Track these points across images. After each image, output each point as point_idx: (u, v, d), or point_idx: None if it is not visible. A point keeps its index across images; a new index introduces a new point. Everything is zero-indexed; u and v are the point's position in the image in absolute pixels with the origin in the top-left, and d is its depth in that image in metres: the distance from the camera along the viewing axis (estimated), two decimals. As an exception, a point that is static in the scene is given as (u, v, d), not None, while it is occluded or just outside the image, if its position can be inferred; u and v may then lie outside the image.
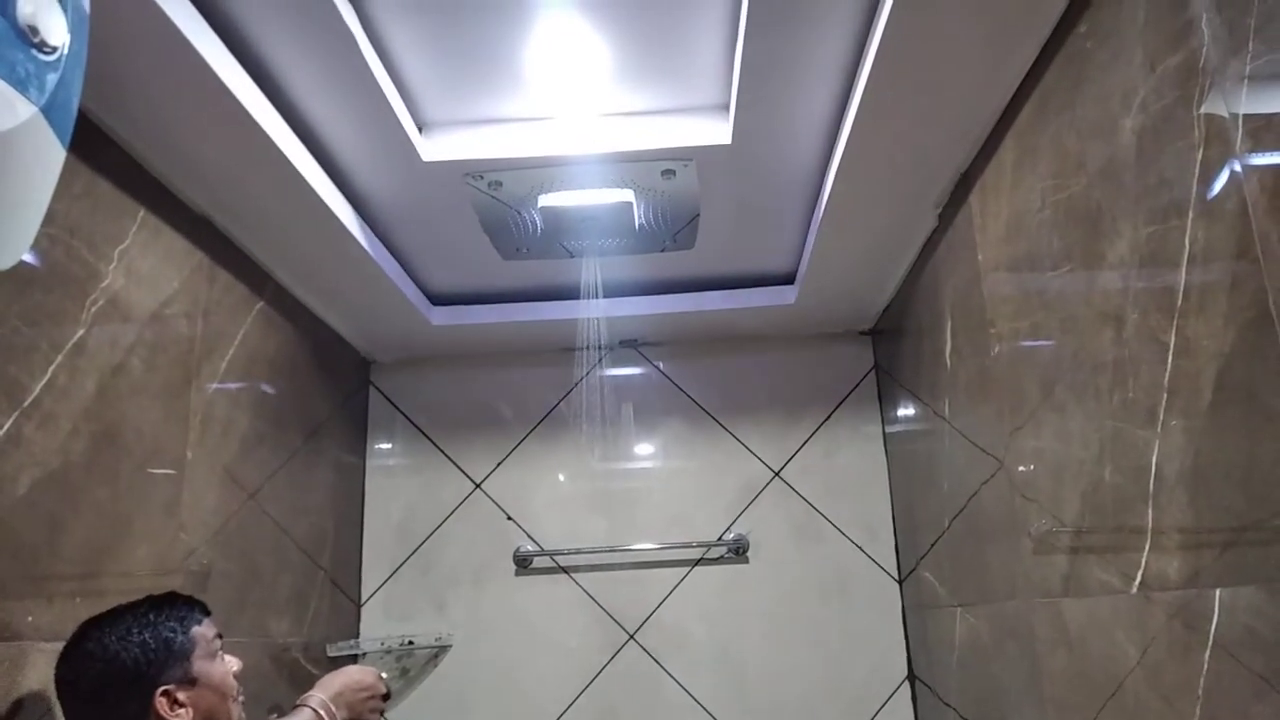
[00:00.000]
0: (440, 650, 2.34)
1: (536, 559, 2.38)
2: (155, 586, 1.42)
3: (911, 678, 2.23)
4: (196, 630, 1.13)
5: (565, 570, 2.38)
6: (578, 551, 2.37)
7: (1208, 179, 0.93)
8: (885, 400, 2.40)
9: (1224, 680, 0.93)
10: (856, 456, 2.40)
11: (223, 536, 1.68)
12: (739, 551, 2.35)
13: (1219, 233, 0.91)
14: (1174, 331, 1.00)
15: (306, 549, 2.07)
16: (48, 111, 0.77)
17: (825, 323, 2.43)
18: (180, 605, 1.15)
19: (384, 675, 1.29)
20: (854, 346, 2.48)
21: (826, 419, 2.43)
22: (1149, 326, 1.05)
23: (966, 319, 1.69)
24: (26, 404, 1.17)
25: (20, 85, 0.74)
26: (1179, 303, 0.98)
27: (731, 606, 2.33)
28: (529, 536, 2.41)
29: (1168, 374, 1.01)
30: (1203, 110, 0.93)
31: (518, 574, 2.39)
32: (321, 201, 1.65)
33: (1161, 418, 1.02)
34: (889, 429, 2.38)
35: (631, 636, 2.33)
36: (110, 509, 1.34)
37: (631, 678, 2.30)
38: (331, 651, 2.16)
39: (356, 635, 2.34)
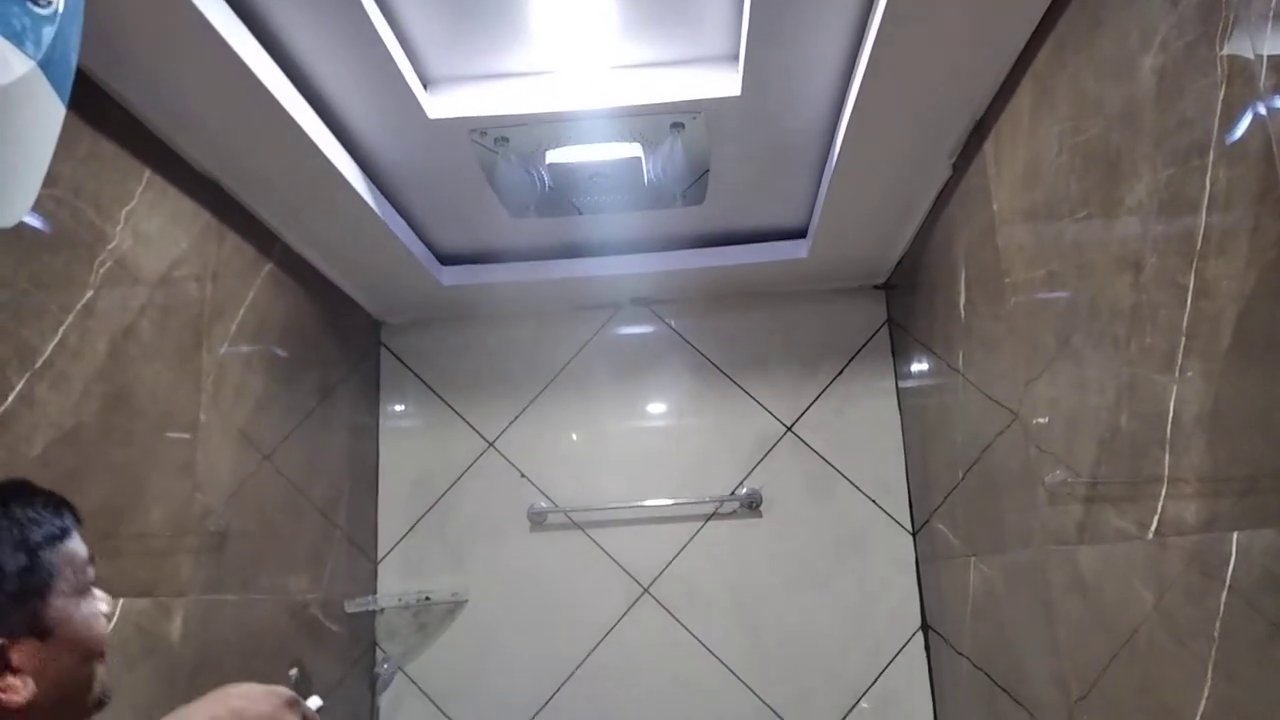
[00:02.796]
0: (457, 605, 2.37)
1: (551, 515, 2.40)
2: (173, 548, 1.44)
3: (925, 628, 2.25)
4: (64, 549, 0.74)
5: (579, 526, 2.39)
6: (592, 508, 2.38)
7: (1230, 119, 0.90)
8: (899, 354, 2.39)
9: (1240, 623, 0.92)
10: (869, 411, 2.39)
11: (239, 497, 1.69)
12: (752, 506, 2.36)
13: (1241, 174, 0.89)
14: (1193, 275, 0.98)
15: (323, 508, 2.09)
16: (45, 66, 0.76)
17: (838, 277, 2.41)
18: (38, 504, 0.74)
19: (315, 703, 0.78)
20: (867, 301, 2.46)
21: (839, 374, 2.42)
22: (1168, 270, 1.03)
23: (981, 270, 1.67)
24: (38, 365, 1.18)
25: (16, 39, 0.72)
26: (1199, 246, 0.96)
27: (745, 560, 2.34)
28: (543, 494, 2.42)
29: (1186, 318, 0.99)
30: (1226, 49, 0.90)
31: (532, 530, 2.40)
32: (328, 161, 1.64)
33: (1180, 362, 1.01)
34: (902, 383, 2.37)
35: (646, 590, 2.35)
36: (125, 470, 1.35)
37: (647, 631, 2.32)
38: (350, 608, 2.19)
39: (374, 592, 2.37)
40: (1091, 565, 1.26)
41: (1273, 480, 0.87)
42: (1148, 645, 1.11)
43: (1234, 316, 0.91)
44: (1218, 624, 0.96)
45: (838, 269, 2.36)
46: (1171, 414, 1.03)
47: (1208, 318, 0.96)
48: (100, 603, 0.78)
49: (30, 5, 0.74)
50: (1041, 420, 1.42)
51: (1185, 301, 0.99)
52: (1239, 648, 0.93)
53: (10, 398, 1.12)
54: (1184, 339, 1.00)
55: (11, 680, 0.67)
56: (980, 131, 1.62)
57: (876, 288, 2.46)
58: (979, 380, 1.73)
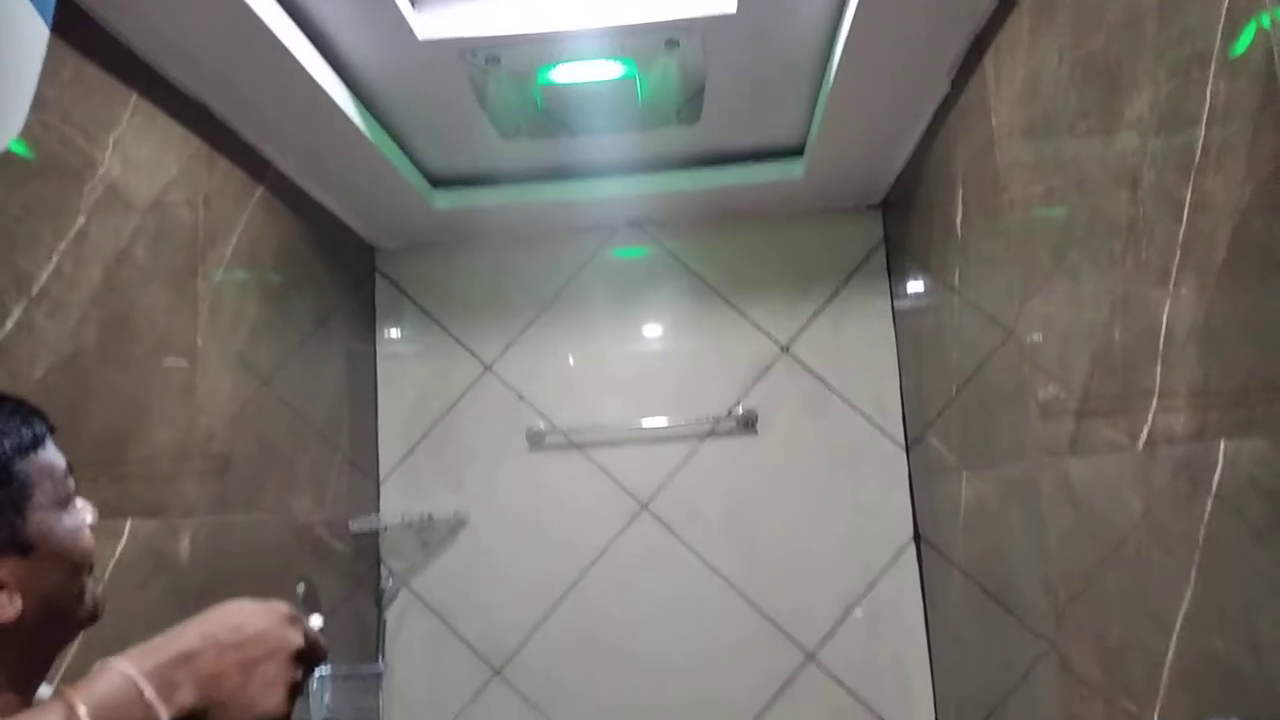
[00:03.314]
0: (458, 524, 2.42)
1: (549, 436, 2.43)
2: (178, 471, 1.46)
3: (917, 539, 2.31)
4: (38, 460, 0.71)
5: (578, 446, 2.43)
6: (589, 429, 2.41)
7: (1233, 30, 0.89)
8: (895, 274, 2.39)
9: (1224, 529, 0.95)
10: (865, 330, 2.41)
11: (240, 421, 1.71)
12: (748, 425, 2.39)
13: (1242, 87, 0.88)
14: (1190, 189, 0.98)
15: (323, 431, 2.12)
16: (27, -16, 0.75)
17: (834, 196, 2.39)
18: (7, 412, 0.70)
19: (316, 621, 0.70)
20: (863, 220, 2.45)
21: (835, 294, 2.43)
22: (1165, 185, 1.03)
23: (979, 187, 1.66)
24: (35, 292, 1.18)
25: (-3, -45, 0.71)
26: (1197, 159, 0.96)
27: (741, 477, 2.39)
28: (541, 415, 2.45)
29: (1182, 232, 1.00)
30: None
31: (531, 451, 2.44)
32: (316, 84, 1.61)
33: (1174, 276, 1.02)
34: (898, 302, 2.38)
35: (644, 507, 2.39)
36: (127, 394, 1.36)
37: (645, 547, 2.38)
38: (354, 527, 2.23)
39: (377, 511, 2.42)
40: (1082, 476, 1.29)
41: (1262, 390, 0.89)
42: (1134, 552, 1.15)
43: (1229, 230, 0.92)
44: (1202, 529, 0.99)
45: (834, 188, 2.34)
46: (1164, 327, 1.05)
47: (1203, 232, 0.96)
48: (84, 513, 0.75)
49: (8, -81, 0.72)
50: (1036, 336, 1.43)
51: (1181, 216, 0.99)
52: (1222, 552, 0.96)
53: (9, 324, 1.13)
54: (1179, 253, 1.01)
55: None
56: (980, 46, 1.59)
57: (873, 207, 2.45)
58: (975, 298, 1.74)
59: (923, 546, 2.28)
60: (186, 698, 0.56)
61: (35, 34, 0.78)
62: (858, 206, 2.45)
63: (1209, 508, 0.98)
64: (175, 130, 1.54)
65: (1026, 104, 1.41)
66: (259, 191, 1.84)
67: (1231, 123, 0.90)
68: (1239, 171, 0.90)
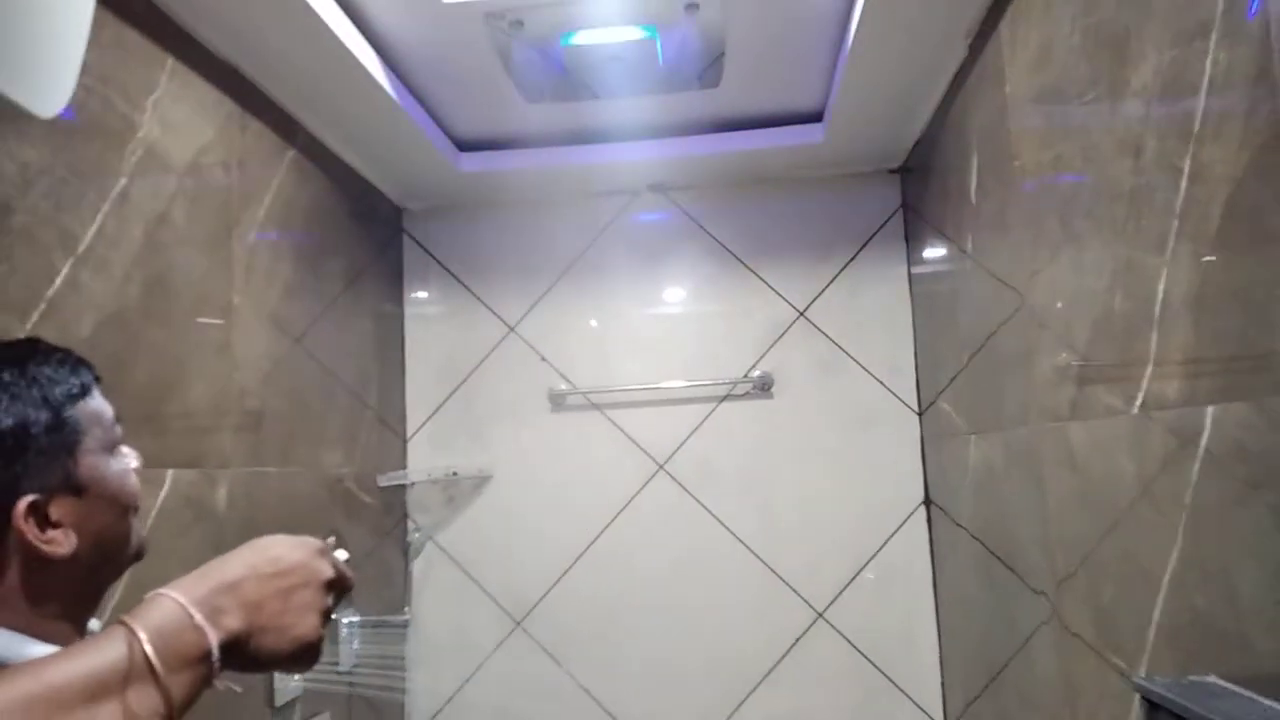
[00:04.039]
0: (483, 480, 2.49)
1: (570, 397, 2.49)
2: (215, 424, 1.53)
3: (928, 502, 2.35)
4: (87, 407, 0.76)
5: (598, 407, 2.49)
6: (610, 390, 2.47)
7: (1233, 1, 0.91)
8: (912, 239, 2.41)
9: (1209, 491, 0.99)
10: (881, 295, 2.43)
11: (273, 378, 1.78)
12: (764, 388, 2.44)
13: (1240, 56, 0.90)
14: (1189, 158, 1.00)
15: (353, 389, 2.19)
16: (75, -41, 0.79)
17: (853, 161, 2.41)
18: (54, 362, 0.75)
19: (342, 555, 0.72)
20: (882, 185, 2.46)
21: (852, 259, 2.45)
22: (1166, 153, 1.05)
23: (993, 153, 1.68)
24: (81, 251, 1.24)
25: (47, -67, 0.76)
26: (1196, 128, 0.98)
27: (757, 439, 2.44)
28: (563, 376, 2.50)
29: (1180, 200, 1.02)
30: (1235, -75, 0.90)
31: (553, 411, 2.50)
32: (344, 47, 1.65)
33: (1171, 245, 1.05)
34: (914, 268, 2.40)
35: (661, 467, 2.45)
36: (167, 351, 1.43)
37: (662, 505, 2.44)
38: (382, 481, 2.31)
39: (404, 467, 2.49)
40: (1081, 440, 1.33)
41: (1248, 357, 0.92)
42: (1127, 513, 1.19)
43: (1224, 199, 0.94)
44: (1190, 492, 1.03)
45: (854, 153, 2.35)
46: (1161, 295, 1.07)
47: (1199, 201, 0.99)
48: (130, 459, 0.80)
49: (57, -101, 0.77)
50: (1043, 303, 1.46)
51: (1180, 185, 1.02)
52: (1207, 514, 1.00)
53: (57, 282, 1.19)
54: (1177, 221, 1.03)
55: (54, 533, 0.70)
56: (997, 10, 1.60)
57: (892, 171, 2.46)
58: (987, 265, 1.76)
59: (932, 509, 2.33)
60: (232, 622, 0.60)
61: (82, 5, 0.83)
62: (877, 171, 2.46)
63: (1196, 471, 1.01)
64: (210, 93, 1.59)
65: (1040, 70, 1.42)
66: (290, 154, 1.89)
67: (1230, 91, 0.92)
68: (1235, 141, 0.92)
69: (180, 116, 1.49)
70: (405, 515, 2.51)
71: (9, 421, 0.69)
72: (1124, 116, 1.15)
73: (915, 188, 2.35)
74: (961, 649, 2.16)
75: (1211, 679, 1.00)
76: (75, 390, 0.75)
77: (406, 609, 2.44)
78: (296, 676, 1.78)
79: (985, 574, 1.88)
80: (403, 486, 2.47)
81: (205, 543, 1.50)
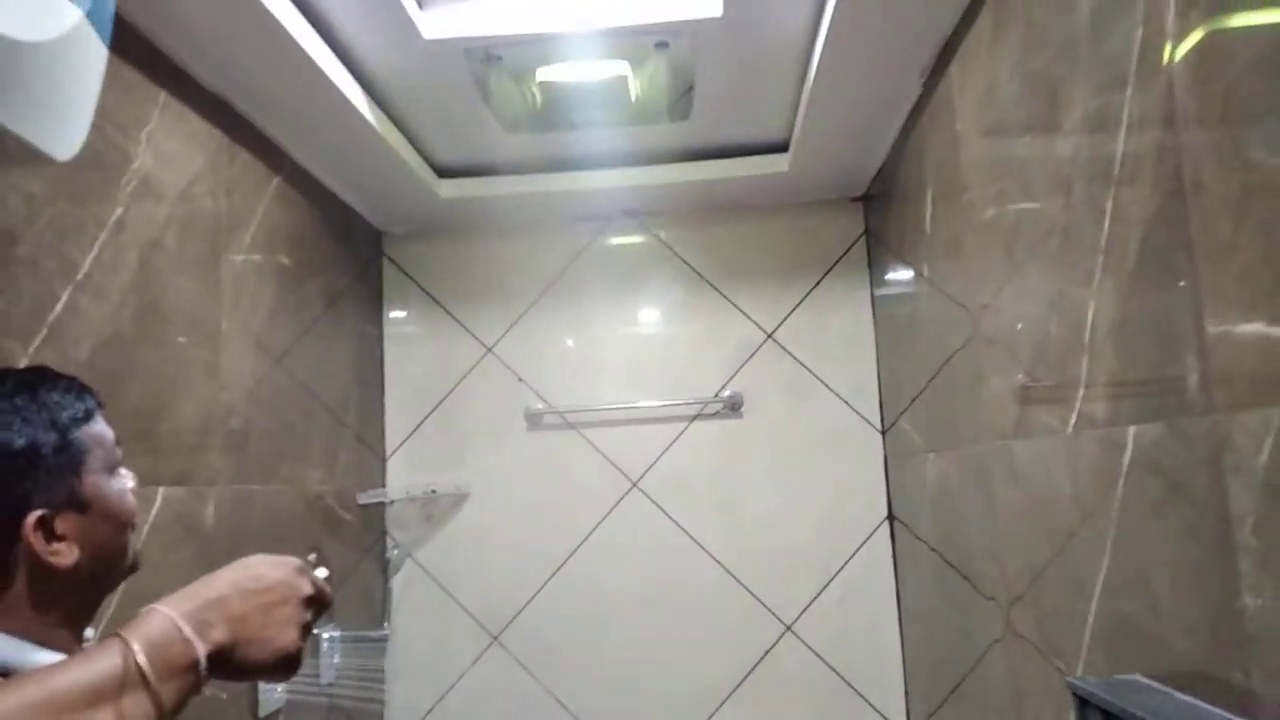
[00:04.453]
0: (460, 498, 2.56)
1: (546, 416, 2.56)
2: (203, 443, 1.59)
3: (891, 518, 2.44)
4: (90, 430, 0.82)
5: (573, 426, 2.56)
6: (584, 409, 2.54)
7: (1145, 54, 1.01)
8: (874, 264, 2.51)
9: (1132, 504, 1.08)
10: (846, 318, 2.53)
11: (257, 397, 1.84)
12: (734, 408, 2.52)
13: (1150, 106, 1.00)
14: (1111, 199, 1.10)
15: (333, 408, 2.25)
16: (91, 15, 0.87)
17: (818, 189, 2.51)
18: (61, 388, 0.82)
19: (322, 573, 0.77)
20: (846, 213, 2.57)
21: (818, 283, 2.55)
22: (1092, 194, 1.15)
23: (945, 185, 1.78)
24: (79, 278, 1.30)
25: (68, -6, 0.83)
26: (1115, 172, 1.08)
27: (727, 457, 2.52)
28: (539, 396, 2.58)
29: (1104, 238, 1.12)
30: (1146, -9, 1.00)
31: (529, 430, 2.57)
32: (329, 80, 1.73)
33: (1098, 278, 1.14)
34: (877, 292, 2.50)
35: (635, 484, 2.53)
36: (159, 372, 1.49)
37: (635, 522, 2.52)
38: (362, 499, 2.37)
39: (384, 485, 2.55)
40: (1024, 457, 1.42)
41: (1161, 381, 1.01)
42: (1064, 524, 1.28)
43: (1139, 239, 1.04)
44: (1116, 505, 1.12)
45: (818, 181, 2.45)
46: (1090, 324, 1.17)
47: (1120, 239, 1.08)
48: (127, 479, 0.87)
49: (77, -37, 0.84)
50: (992, 327, 1.55)
51: (1103, 224, 1.12)
52: (1131, 525, 1.09)
53: (58, 308, 1.25)
54: (1102, 257, 1.13)
55: (59, 546, 0.77)
56: (948, 52, 1.71)
57: (855, 200, 2.56)
58: (941, 291, 1.86)
59: (895, 525, 2.42)
60: (219, 635, 0.65)
61: (98, 54, 0.90)
62: (840, 199, 2.56)
63: (1121, 486, 1.10)
64: (200, 125, 1.66)
65: (985, 110, 1.53)
66: (275, 181, 1.96)
67: (1143, 139, 1.02)
68: (1147, 184, 1.02)
69: (172, 148, 1.56)
70: (384, 532, 2.56)
71: (21, 442, 0.76)
72: (1056, 157, 1.25)
73: (877, 215, 2.46)
74: (924, 658, 2.24)
75: (1136, 677, 1.09)
76: (80, 415, 0.82)
77: (386, 624, 2.49)
78: (279, 688, 1.83)
79: (944, 585, 1.97)
80: (382, 504, 2.53)
81: (194, 558, 1.56)
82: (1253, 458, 0.84)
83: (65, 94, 0.87)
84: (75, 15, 0.84)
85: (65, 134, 0.88)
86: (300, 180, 2.09)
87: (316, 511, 2.12)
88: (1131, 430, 1.07)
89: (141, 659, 0.59)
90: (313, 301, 2.16)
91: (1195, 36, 0.91)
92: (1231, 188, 0.86)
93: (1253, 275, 0.83)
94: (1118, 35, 1.07)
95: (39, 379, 0.82)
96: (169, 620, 0.62)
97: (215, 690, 1.56)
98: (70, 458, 0.79)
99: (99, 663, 0.58)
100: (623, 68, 1.93)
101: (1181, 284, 0.95)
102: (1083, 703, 1.09)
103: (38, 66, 0.81)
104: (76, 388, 0.84)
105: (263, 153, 1.90)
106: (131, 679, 0.58)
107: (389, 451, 2.59)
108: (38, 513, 0.76)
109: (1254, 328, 0.83)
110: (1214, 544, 0.91)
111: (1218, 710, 0.91)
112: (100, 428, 0.84)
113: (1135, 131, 1.04)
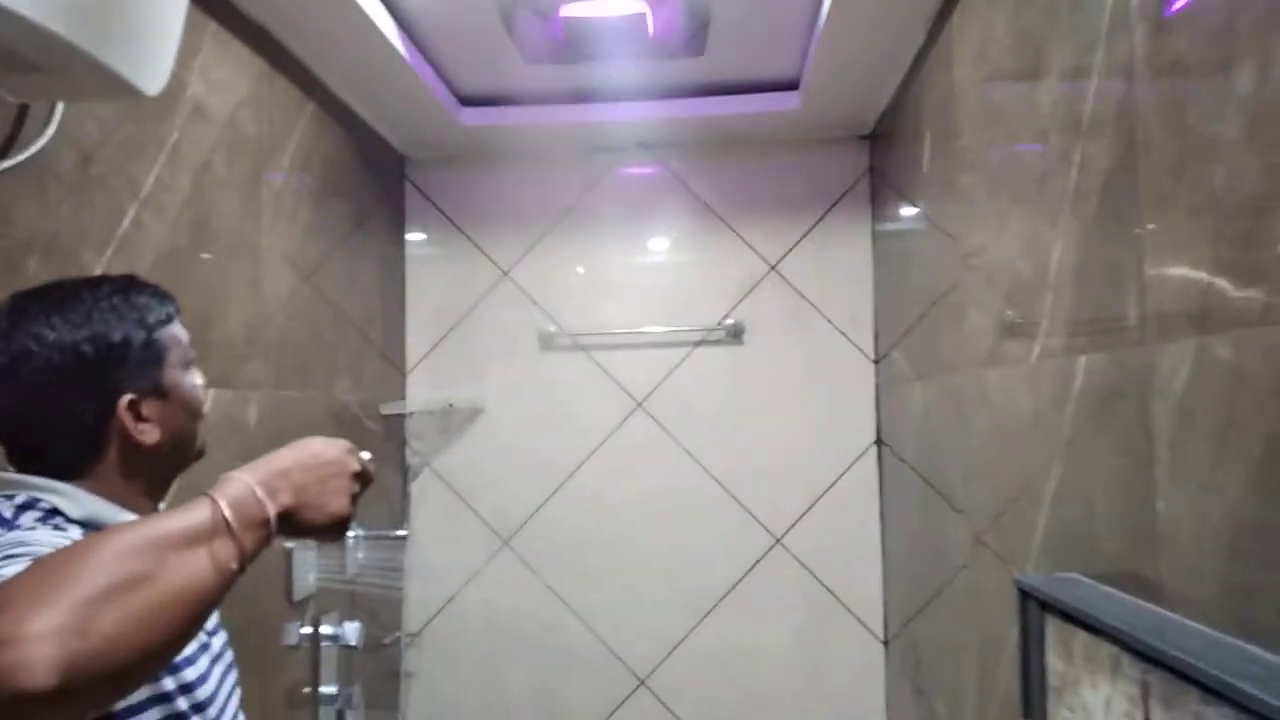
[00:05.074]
0: (475, 412, 2.72)
1: (558, 338, 2.71)
2: (247, 351, 1.74)
3: (879, 442, 2.60)
4: (170, 331, 0.95)
5: (583, 348, 2.71)
6: (594, 333, 2.69)
7: (1114, 19, 1.12)
8: (877, 201, 2.62)
9: (1080, 425, 1.23)
10: (847, 253, 2.65)
11: (291, 310, 1.98)
12: (736, 335, 2.66)
13: (1115, 67, 1.11)
14: (1079, 151, 1.22)
15: (359, 324, 2.39)
16: (176, -35, 0.98)
17: (826, 127, 2.61)
18: (148, 294, 0.95)
19: (365, 455, 0.89)
20: (852, 150, 2.67)
21: (822, 218, 2.67)
22: (1064, 145, 1.26)
23: (941, 130, 1.89)
24: (143, 196, 1.44)
25: (159, -52, 0.95)
26: (1084, 126, 1.20)
27: (727, 382, 2.67)
28: (551, 319, 2.72)
29: (1071, 186, 1.24)
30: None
31: (541, 351, 2.72)
32: (362, 10, 1.82)
33: (1062, 223, 1.27)
34: (878, 228, 2.61)
35: (640, 405, 2.69)
36: (210, 285, 1.64)
37: (639, 440, 2.68)
38: (384, 410, 2.53)
39: (404, 398, 2.71)
40: (995, 384, 1.56)
41: (1108, 316, 1.14)
42: (1026, 442, 1.43)
43: (1099, 188, 1.16)
44: (1067, 425, 1.26)
45: (826, 119, 2.55)
46: (1054, 264, 1.30)
47: (1083, 187, 1.20)
48: (198, 376, 0.99)
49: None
50: (975, 265, 1.68)
51: (1070, 173, 1.24)
52: (1077, 443, 1.24)
53: (125, 223, 1.39)
54: (1068, 203, 1.25)
55: (144, 426, 0.90)
56: (951, 2, 1.79)
57: (862, 138, 2.66)
58: (934, 230, 1.98)
59: (882, 449, 2.58)
60: (285, 499, 0.75)
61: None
62: (848, 137, 2.66)
63: (1070, 409, 1.25)
64: (244, 53, 1.77)
65: (979, 61, 1.63)
66: (310, 107, 2.07)
67: (1107, 97, 1.14)
68: (1108, 140, 1.14)
69: (220, 76, 1.67)
70: (404, 441, 2.74)
71: (117, 336, 0.89)
72: (1037, 109, 1.36)
73: (881, 154, 2.56)
74: (903, 572, 2.42)
75: (1074, 575, 1.25)
76: (164, 318, 0.95)
77: (405, 525, 2.68)
78: (313, 575, 2.02)
79: (919, 497, 2.14)
80: (402, 416, 2.69)
81: (238, 453, 1.72)
82: (1172, 382, 0.98)
83: (154, 34, 0.99)
84: (164, -35, 0.96)
85: (155, 70, 1.00)
86: (331, 106, 2.19)
87: (344, 419, 2.28)
88: (1082, 360, 1.21)
89: (227, 512, 0.69)
90: (341, 222, 2.29)
91: (1154, 9, 1.02)
92: (1172, 147, 0.98)
93: (1183, 225, 0.96)
94: (1094, 2, 1.17)
95: (130, 285, 0.94)
96: (246, 484, 0.73)
97: (265, 569, 1.74)
98: (155, 352, 0.92)
99: (195, 513, 0.69)
100: (641, 4, 2.01)
101: (1131, 231, 1.08)
102: (1024, 596, 1.26)
103: (130, 9, 0.93)
104: (160, 294, 0.97)
105: (299, 80, 2.01)
106: (219, 527, 0.68)
107: (410, 367, 2.75)
108: (129, 396, 0.88)
109: (1180, 270, 0.97)
110: (1139, 458, 1.06)
111: (1129, 597, 1.07)
112: (178, 330, 0.97)
113: (1102, 90, 1.15)
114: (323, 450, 0.81)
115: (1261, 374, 0.83)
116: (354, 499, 0.83)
